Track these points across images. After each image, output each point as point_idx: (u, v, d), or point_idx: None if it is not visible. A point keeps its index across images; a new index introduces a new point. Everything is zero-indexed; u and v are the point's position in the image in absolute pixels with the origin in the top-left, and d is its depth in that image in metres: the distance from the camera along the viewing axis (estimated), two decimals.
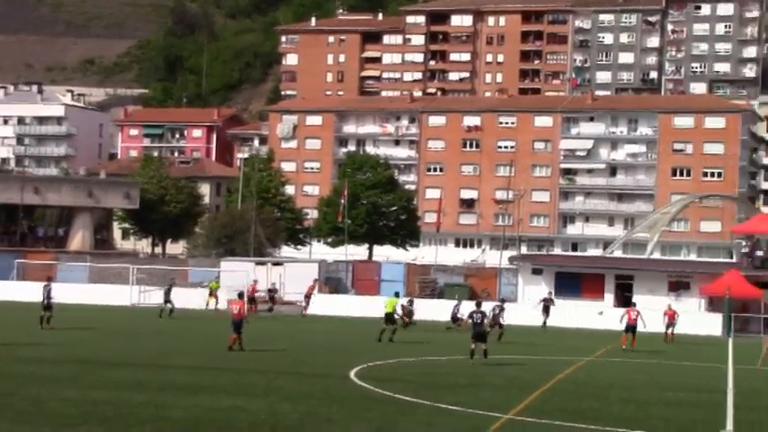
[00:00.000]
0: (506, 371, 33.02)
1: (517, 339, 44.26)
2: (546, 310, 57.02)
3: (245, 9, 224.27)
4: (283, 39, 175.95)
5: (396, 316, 43.11)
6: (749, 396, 29.24)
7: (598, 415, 24.00)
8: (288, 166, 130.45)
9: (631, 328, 43.45)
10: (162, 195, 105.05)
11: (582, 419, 22.97)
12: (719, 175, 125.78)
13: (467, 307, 45.79)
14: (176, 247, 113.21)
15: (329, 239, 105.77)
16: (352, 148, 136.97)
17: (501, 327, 43.65)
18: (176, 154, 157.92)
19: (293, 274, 69.14)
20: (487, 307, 38.96)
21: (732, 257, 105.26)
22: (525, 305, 62.07)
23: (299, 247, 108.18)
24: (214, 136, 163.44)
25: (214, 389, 26.07)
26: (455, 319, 45.02)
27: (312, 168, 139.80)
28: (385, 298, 46.01)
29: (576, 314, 58.52)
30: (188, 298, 60.34)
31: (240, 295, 39.43)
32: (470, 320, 34.17)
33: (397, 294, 46.34)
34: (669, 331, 49.27)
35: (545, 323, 56.26)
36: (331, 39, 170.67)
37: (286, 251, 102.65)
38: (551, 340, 47.66)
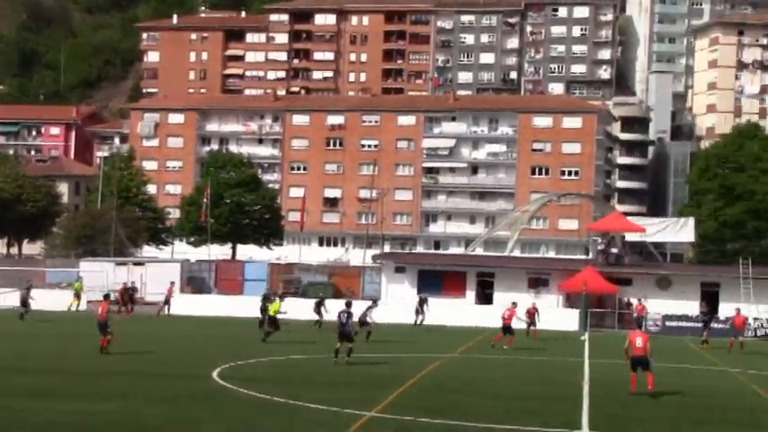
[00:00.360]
0: (370, 369, 33.17)
1: (384, 338, 44.46)
2: (420, 311, 57.66)
3: (102, 5, 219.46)
4: (144, 36, 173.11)
5: (279, 315, 43.10)
6: (606, 389, 30.05)
7: (459, 410, 24.28)
8: (149, 165, 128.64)
9: (507, 327, 43.94)
10: (18, 195, 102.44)
11: (443, 415, 23.21)
12: (576, 173, 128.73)
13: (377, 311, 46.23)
14: (33, 248, 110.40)
15: (192, 239, 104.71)
16: (215, 146, 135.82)
17: (369, 325, 43.93)
18: (33, 152, 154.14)
19: (155, 274, 68.11)
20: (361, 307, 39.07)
21: (589, 254, 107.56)
22: (395, 304, 62.29)
23: (161, 246, 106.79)
24: (73, 134, 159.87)
25: (73, 392, 25.53)
26: (363, 323, 44.77)
27: (174, 167, 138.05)
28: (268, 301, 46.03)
29: (439, 311, 59.04)
30: (47, 299, 58.89)
31: (106, 296, 38.64)
32: (337, 319, 34.17)
33: (271, 297, 46.18)
34: (531, 328, 49.97)
35: (419, 322, 56.84)
36: (193, 36, 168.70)
37: (148, 251, 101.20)
38: (415, 337, 48.05)
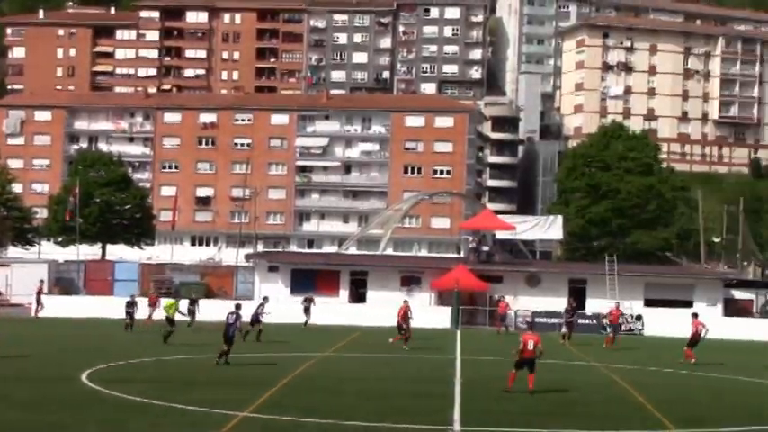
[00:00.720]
0: (245, 369, 32.91)
1: (268, 338, 44.19)
2: (307, 311, 57.59)
3: None
4: (9, 31, 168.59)
5: (180, 316, 42.76)
6: (478, 385, 30.48)
7: (332, 409, 24.32)
8: (15, 163, 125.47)
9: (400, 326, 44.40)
10: None
11: (316, 414, 23.25)
12: (449, 172, 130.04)
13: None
14: None
15: (60, 239, 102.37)
16: (84, 144, 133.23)
17: (260, 323, 44.05)
18: None
19: (21, 275, 66.40)
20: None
21: (460, 252, 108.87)
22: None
23: (27, 247, 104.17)
24: None
25: None
26: (255, 321, 44.47)
27: (41, 166, 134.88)
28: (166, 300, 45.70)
29: (313, 310, 58.90)
30: None
31: None
32: (225, 320, 33.85)
33: (137, 302, 45.66)
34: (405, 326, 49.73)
35: (306, 322, 56.91)
36: (61, 32, 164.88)
37: (14, 252, 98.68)
38: (288, 337, 47.86)
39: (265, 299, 48.04)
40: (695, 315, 43.66)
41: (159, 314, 47.90)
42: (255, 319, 44.26)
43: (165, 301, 43.94)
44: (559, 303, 62.23)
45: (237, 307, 34.49)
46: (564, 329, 51.02)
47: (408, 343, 43.84)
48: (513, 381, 28.29)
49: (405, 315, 45.11)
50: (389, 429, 21.96)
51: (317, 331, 53.09)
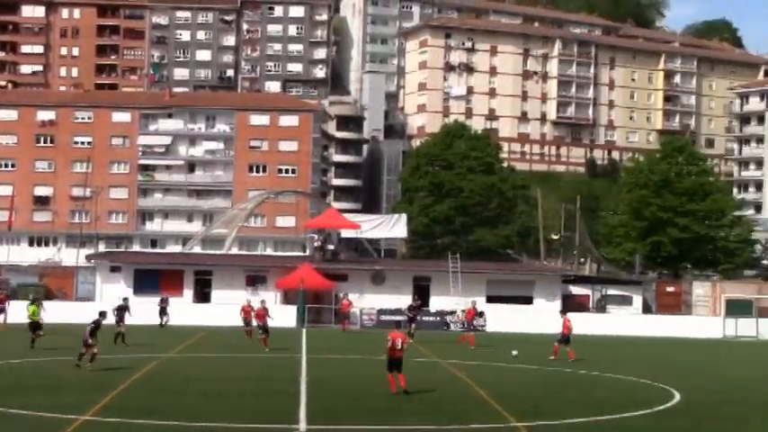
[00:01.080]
0: (87, 373, 32.16)
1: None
2: (163, 311, 56.82)
3: None
4: None
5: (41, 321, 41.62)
6: (323, 383, 30.57)
7: (175, 409, 24.06)
8: None
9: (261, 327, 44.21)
10: None
11: (159, 415, 22.98)
12: (294, 171, 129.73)
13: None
14: None
15: None
16: None
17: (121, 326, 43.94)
18: None
19: None
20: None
21: (305, 251, 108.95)
22: (110, 305, 60.76)
23: None
24: None
25: None
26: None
27: None
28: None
29: (155, 310, 58.06)
30: None
31: None
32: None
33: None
34: (248, 329, 48.85)
35: (164, 322, 56.11)
36: None
37: None
38: (135, 339, 46.99)
39: (125, 300, 47.72)
40: (563, 312, 44.85)
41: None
42: (119, 320, 44.02)
43: (29, 308, 42.57)
44: (404, 301, 62.93)
45: (102, 315, 34.07)
46: (408, 327, 51.22)
47: (252, 337, 43.98)
48: (394, 383, 27.76)
49: (262, 315, 44.78)
50: (234, 430, 21.82)
51: (163, 332, 52.39)
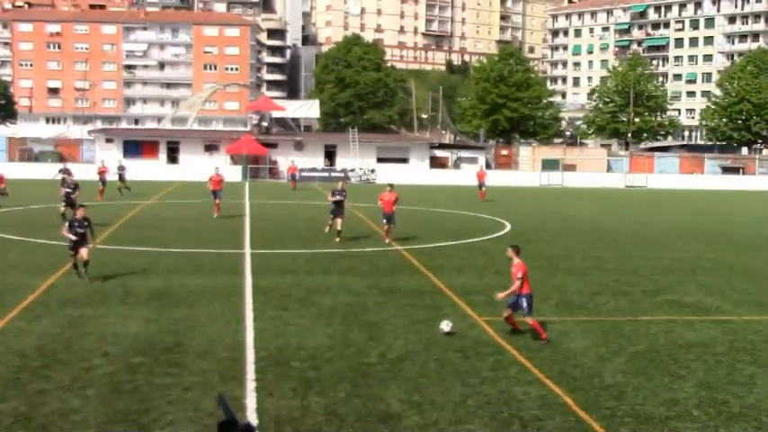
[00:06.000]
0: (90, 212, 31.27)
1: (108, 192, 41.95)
2: (121, 178, 55.04)
3: None
4: None
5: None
6: (261, 219, 30.44)
7: (158, 241, 23.78)
8: None
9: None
10: None
11: (145, 244, 22.69)
12: (237, 69, 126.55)
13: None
14: None
15: None
16: None
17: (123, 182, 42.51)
18: None
19: None
20: None
21: (247, 127, 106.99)
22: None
23: None
24: None
25: None
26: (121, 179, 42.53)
27: None
28: None
29: (141, 170, 56.74)
30: None
31: None
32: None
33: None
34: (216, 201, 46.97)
35: (121, 187, 54.65)
36: None
37: None
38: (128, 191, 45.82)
39: (122, 167, 44.70)
40: (481, 167, 45.13)
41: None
42: (121, 178, 42.70)
43: None
44: (317, 163, 62.71)
45: (66, 172, 32.38)
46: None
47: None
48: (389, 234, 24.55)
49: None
50: (204, 254, 21.65)
51: (143, 185, 51.30)
